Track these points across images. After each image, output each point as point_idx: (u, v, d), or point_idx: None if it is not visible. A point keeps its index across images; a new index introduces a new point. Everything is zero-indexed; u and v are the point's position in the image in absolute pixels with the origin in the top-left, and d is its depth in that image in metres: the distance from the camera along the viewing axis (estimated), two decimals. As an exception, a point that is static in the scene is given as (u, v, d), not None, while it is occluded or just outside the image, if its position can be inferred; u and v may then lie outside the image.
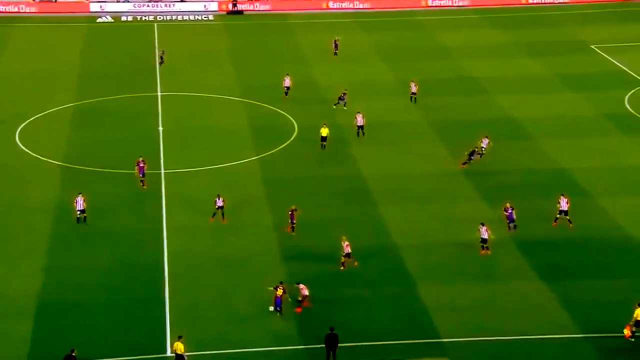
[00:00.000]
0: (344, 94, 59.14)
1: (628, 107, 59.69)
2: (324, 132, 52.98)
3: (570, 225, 43.22)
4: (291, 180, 49.29)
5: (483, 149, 50.57)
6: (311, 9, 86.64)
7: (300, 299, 36.99)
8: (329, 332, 34.04)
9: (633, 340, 34.58)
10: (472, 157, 49.98)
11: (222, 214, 44.28)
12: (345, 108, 58.04)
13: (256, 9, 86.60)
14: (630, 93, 62.13)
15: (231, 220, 44.42)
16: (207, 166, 50.88)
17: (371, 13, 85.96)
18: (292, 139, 54.89)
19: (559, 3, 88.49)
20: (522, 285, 38.73)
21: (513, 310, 36.94)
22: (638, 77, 65.40)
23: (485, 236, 40.78)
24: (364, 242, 42.30)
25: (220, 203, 44.27)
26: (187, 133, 55.97)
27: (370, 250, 41.76)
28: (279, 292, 36.53)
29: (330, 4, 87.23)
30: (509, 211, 42.70)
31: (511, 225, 42.60)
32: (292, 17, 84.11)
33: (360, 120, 54.24)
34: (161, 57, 68.91)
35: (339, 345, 33.86)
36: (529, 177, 49.30)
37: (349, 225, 43.89)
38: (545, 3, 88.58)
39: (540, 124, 56.59)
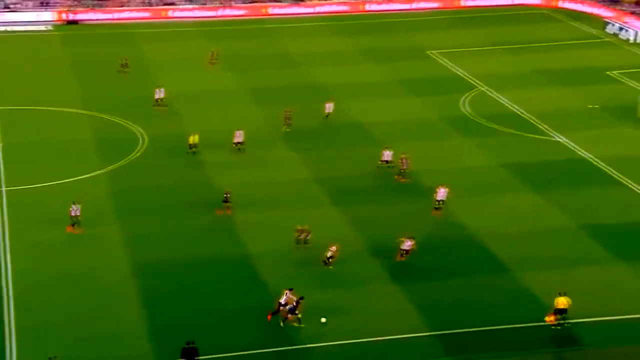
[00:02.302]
0: (289, 111, 58.01)
1: (464, 109, 62.62)
2: (193, 139, 52.84)
3: (440, 212, 46.01)
4: (140, 191, 48.51)
5: (387, 162, 50.77)
6: (152, 18, 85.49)
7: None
8: (186, 345, 33.78)
9: (559, 327, 36.34)
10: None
11: (78, 224, 43.27)
12: (288, 129, 57.18)
13: (94, 18, 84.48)
14: (465, 96, 65.22)
15: (80, 235, 43.20)
16: (51, 181, 49.19)
17: (215, 22, 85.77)
18: (139, 150, 53.99)
19: (396, 10, 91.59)
20: (374, 289, 39.75)
21: (366, 314, 37.86)
22: (472, 80, 68.76)
23: (407, 247, 41.20)
24: (218, 251, 42.27)
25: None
26: (28, 148, 53.90)
27: (223, 260, 41.76)
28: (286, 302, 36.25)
29: (171, 13, 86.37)
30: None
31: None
32: (131, 27, 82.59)
33: (239, 136, 53.77)
34: (124, 65, 67.63)
35: (198, 358, 33.65)
36: (376, 182, 50.74)
37: (201, 236, 43.76)
38: (383, 11, 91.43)
39: (386, 129, 58.27)
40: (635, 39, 78.72)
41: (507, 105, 63.26)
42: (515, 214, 46.87)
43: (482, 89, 66.81)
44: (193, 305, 38.01)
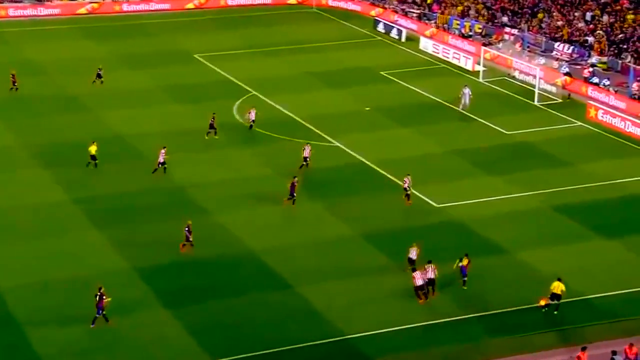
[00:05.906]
0: (213, 118, 57.43)
1: (237, 116, 63.13)
2: (93, 149, 51.65)
3: (409, 201, 49.11)
4: None
5: None
6: None
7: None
8: None
9: (545, 310, 39.03)
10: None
11: None
12: (217, 137, 57.59)
13: None
14: (237, 102, 65.79)
15: None
16: None
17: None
18: None
19: (155, 10, 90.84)
20: (147, 317, 39.00)
21: (139, 345, 36.98)
22: (243, 85, 69.51)
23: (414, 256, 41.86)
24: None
25: None
26: None
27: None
28: (465, 261, 40.33)
29: None
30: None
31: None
32: None
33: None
34: (99, 75, 66.87)
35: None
36: (146, 199, 49.84)
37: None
38: (141, 11, 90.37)
39: (153, 140, 57.19)
40: (403, 37, 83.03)
41: (281, 110, 64.48)
42: (294, 224, 47.75)
43: (255, 93, 67.70)
44: None
